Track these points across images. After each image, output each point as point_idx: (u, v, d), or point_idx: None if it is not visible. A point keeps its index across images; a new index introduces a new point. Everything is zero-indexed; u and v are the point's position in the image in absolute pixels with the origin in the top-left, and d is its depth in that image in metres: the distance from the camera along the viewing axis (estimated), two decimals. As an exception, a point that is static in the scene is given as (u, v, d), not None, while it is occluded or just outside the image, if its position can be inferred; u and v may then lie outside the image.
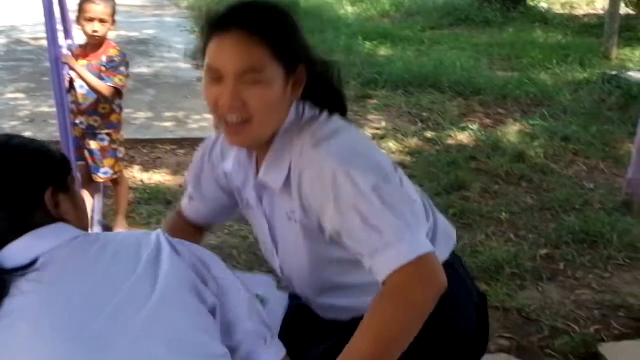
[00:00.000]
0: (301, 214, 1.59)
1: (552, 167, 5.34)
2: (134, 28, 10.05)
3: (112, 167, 4.05)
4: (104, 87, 3.81)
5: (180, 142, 5.68)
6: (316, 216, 1.55)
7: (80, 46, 3.91)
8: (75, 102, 3.92)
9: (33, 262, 1.28)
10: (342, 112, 1.67)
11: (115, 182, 4.15)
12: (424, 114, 6.38)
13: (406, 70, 7.40)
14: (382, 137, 5.83)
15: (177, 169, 5.15)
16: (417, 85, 7.11)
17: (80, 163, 4.01)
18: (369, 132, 5.95)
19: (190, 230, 1.98)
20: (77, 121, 3.94)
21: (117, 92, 3.90)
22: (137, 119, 6.09)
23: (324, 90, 1.64)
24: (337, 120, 1.62)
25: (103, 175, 4.05)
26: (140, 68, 7.93)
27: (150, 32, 10.31)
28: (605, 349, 3.08)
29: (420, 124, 6.19)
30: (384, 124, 6.19)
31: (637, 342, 3.18)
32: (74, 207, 1.44)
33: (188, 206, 1.97)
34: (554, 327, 3.30)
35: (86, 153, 4.01)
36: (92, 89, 3.81)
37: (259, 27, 1.52)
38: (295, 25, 1.61)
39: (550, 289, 3.67)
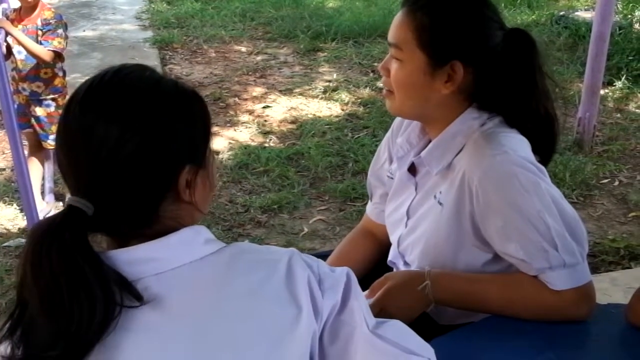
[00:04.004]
0: (454, 201, 1.60)
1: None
2: (76, -9, 9.79)
3: (61, 133, 3.94)
4: (43, 51, 3.71)
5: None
6: (480, 214, 1.56)
7: (15, 10, 3.79)
8: (16, 68, 3.81)
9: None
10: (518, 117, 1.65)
11: (65, 148, 4.04)
12: (375, 64, 6.34)
13: (355, 21, 7.33)
14: (334, 89, 5.80)
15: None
16: (367, 36, 7.06)
17: (27, 130, 3.92)
18: (320, 84, 5.92)
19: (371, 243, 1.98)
20: (20, 88, 3.84)
21: (58, 56, 3.80)
22: (84, 83, 5.92)
23: (497, 94, 1.64)
24: (512, 130, 1.63)
25: (53, 142, 3.96)
26: (85, 31, 7.74)
27: (93, -6, 10.07)
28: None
29: (371, 74, 6.16)
30: (335, 75, 6.14)
31: (592, 277, 3.22)
32: (205, 184, 1.13)
33: (371, 208, 2.01)
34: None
35: (32, 120, 3.92)
36: (31, 54, 3.71)
37: (417, 11, 1.59)
38: (468, 20, 1.61)
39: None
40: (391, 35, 1.63)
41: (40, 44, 3.72)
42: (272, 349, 1.02)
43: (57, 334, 0.96)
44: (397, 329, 1.17)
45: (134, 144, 1.02)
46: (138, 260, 1.03)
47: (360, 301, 1.13)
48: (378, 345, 1.11)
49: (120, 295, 0.98)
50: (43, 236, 0.99)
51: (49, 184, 4.13)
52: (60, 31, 3.78)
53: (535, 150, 1.62)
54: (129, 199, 1.04)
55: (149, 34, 7.59)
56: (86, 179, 1.04)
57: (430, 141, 1.71)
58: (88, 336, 0.96)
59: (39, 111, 3.89)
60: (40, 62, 3.77)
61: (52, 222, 1.00)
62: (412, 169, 1.76)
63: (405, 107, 1.67)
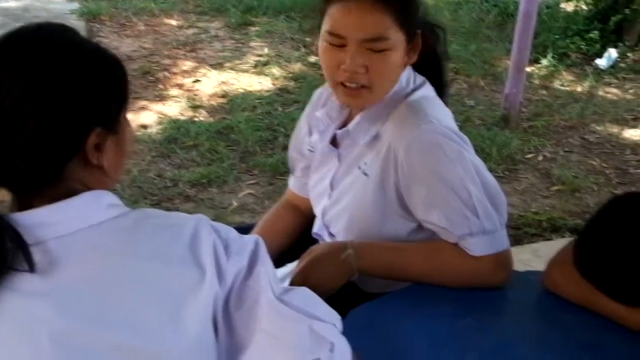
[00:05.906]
0: (379, 171, 1.61)
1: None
2: (-1, -40, 9.48)
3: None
4: None
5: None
6: (404, 183, 1.57)
7: None
8: None
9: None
10: (440, 82, 1.71)
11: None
12: (307, 39, 6.33)
13: (287, -4, 7.30)
14: (265, 64, 5.76)
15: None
16: (299, 10, 7.02)
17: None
18: (252, 59, 5.88)
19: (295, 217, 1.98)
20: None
21: None
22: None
23: (429, 60, 1.67)
24: (436, 97, 1.67)
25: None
26: (8, 2, 7.50)
27: (18, -37, 9.76)
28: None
29: (303, 49, 6.14)
30: (266, 50, 6.11)
31: (515, 248, 3.30)
32: (117, 151, 1.12)
33: (293, 181, 2.01)
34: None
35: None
36: None
37: None
38: None
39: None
40: (366, 32, 1.53)
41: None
42: (174, 310, 1.02)
43: None
44: (304, 296, 1.17)
45: (37, 99, 1.02)
46: (39, 223, 1.03)
47: (268, 268, 1.14)
48: (282, 311, 1.11)
49: (12, 257, 0.98)
50: None
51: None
52: None
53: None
54: (32, 153, 1.03)
55: (75, 5, 7.39)
56: None
57: (350, 113, 1.71)
58: None
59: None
60: None
61: None
62: (334, 142, 1.76)
63: (383, 93, 1.64)
